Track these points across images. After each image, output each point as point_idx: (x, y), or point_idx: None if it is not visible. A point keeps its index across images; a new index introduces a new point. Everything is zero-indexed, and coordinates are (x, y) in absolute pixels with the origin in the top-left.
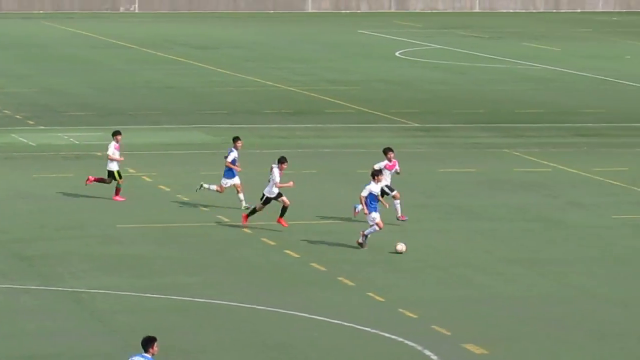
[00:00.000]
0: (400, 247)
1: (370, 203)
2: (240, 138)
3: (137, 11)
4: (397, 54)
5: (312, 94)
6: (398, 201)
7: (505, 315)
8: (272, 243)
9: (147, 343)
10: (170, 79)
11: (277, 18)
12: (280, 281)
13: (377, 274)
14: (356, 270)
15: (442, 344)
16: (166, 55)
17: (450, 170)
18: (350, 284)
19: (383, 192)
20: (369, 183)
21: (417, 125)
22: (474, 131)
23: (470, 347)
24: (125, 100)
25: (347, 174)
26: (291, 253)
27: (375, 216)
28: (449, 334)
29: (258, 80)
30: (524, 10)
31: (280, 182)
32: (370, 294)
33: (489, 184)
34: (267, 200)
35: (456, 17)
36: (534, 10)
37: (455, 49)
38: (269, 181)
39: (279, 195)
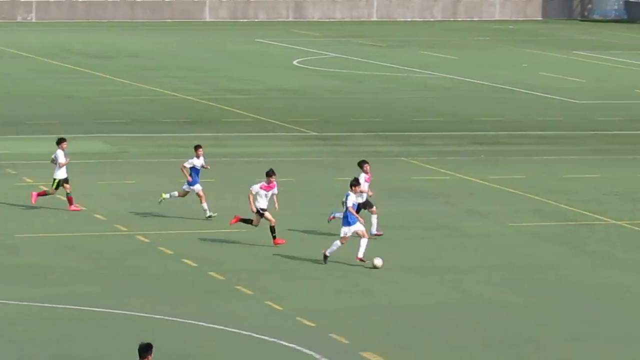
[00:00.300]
0: (377, 262)
1: (349, 217)
2: (202, 146)
3: (34, 20)
4: (295, 62)
5: (210, 103)
6: (375, 216)
7: (402, 324)
8: (170, 252)
9: (146, 350)
10: (68, 88)
11: (174, 27)
12: (178, 290)
13: (275, 282)
14: (254, 278)
15: (340, 352)
16: (63, 65)
17: (348, 178)
18: (248, 292)
19: (360, 207)
20: (348, 194)
21: (315, 134)
22: (371, 139)
23: (368, 355)
24: (22, 110)
25: (246, 183)
26: (189, 262)
27: (347, 231)
28: (347, 342)
29: (156, 89)
30: (421, 19)
31: (254, 199)
32: (268, 302)
33: (387, 192)
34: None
35: (354, 26)
36: (432, 19)
37: (352, 58)
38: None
39: (264, 210)
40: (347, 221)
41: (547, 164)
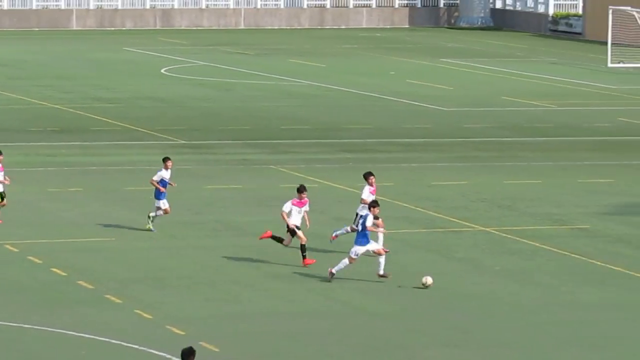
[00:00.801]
0: (426, 280)
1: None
2: (170, 157)
3: None
4: (163, 71)
5: (78, 112)
6: (382, 228)
7: (272, 331)
8: (39, 261)
9: (188, 355)
10: None
11: (41, 36)
12: (48, 300)
13: (144, 291)
14: (123, 287)
15: None
16: None
17: (217, 186)
18: (118, 301)
19: (293, 232)
20: (367, 215)
21: (183, 142)
22: (240, 147)
23: None
24: None
25: (114, 192)
26: (58, 271)
27: (359, 251)
28: (217, 350)
29: (23, 98)
30: (288, 27)
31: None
32: (137, 311)
33: (256, 200)
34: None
35: (222, 34)
36: (299, 27)
37: (221, 66)
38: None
39: (297, 228)
40: (362, 240)
41: (415, 171)
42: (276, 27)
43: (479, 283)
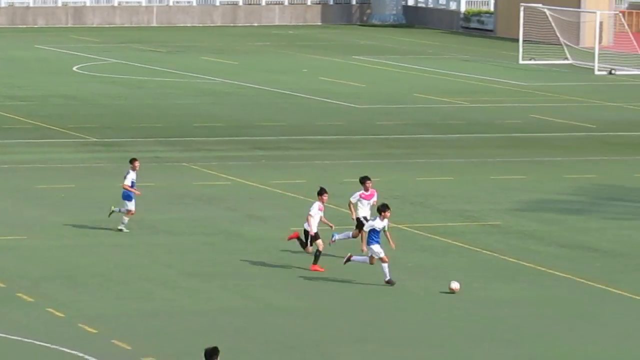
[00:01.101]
0: (455, 285)
1: (373, 237)
2: (137, 159)
3: None
4: (75, 68)
5: None
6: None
7: (186, 329)
8: None
9: (212, 354)
10: None
11: None
12: None
13: (56, 289)
14: (35, 285)
15: (123, 358)
16: None
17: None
18: (29, 299)
19: (360, 224)
20: (374, 219)
21: (95, 140)
22: (152, 145)
23: None
24: None
25: (26, 190)
26: None
27: (378, 250)
28: (129, 348)
29: None
30: (201, 25)
31: (321, 217)
32: (49, 309)
33: (168, 198)
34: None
35: (134, 32)
36: (212, 25)
37: (133, 63)
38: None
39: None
40: (372, 240)
41: (328, 169)
42: (189, 25)
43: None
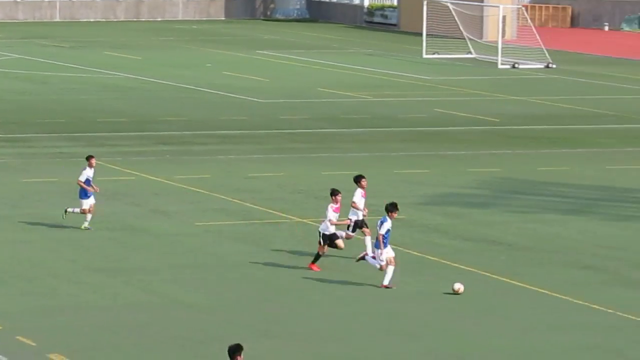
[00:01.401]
0: (458, 286)
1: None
2: (94, 156)
3: None
4: None
5: None
6: (369, 237)
7: (91, 325)
8: None
9: (235, 351)
10: None
11: None
12: None
13: None
14: None
15: (27, 354)
16: None
17: (33, 180)
18: None
19: (357, 225)
20: (384, 220)
21: None
22: (57, 141)
23: (54, 357)
24: None
25: None
26: None
27: (389, 252)
28: (34, 344)
29: None
30: (104, 20)
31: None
32: None
33: (72, 193)
34: (325, 238)
35: (37, 27)
36: (115, 20)
37: (36, 59)
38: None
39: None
40: (384, 244)
41: (232, 163)
42: (92, 20)
43: (296, 274)
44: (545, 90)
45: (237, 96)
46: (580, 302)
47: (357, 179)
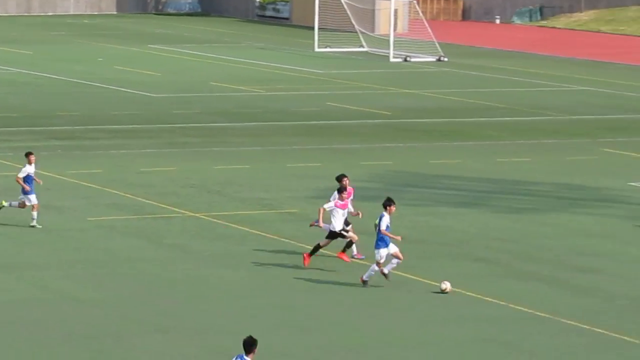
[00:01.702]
0: (445, 286)
1: (380, 240)
2: (33, 152)
3: None
4: None
5: None
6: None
7: None
8: None
9: (251, 345)
10: None
11: None
12: None
13: None
14: None
15: None
16: None
17: None
18: None
19: (333, 235)
20: (382, 215)
21: None
22: None
23: None
24: None
25: None
26: None
27: (384, 253)
28: None
29: None
30: None
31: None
32: None
33: None
34: (331, 235)
35: None
36: (5, 14)
37: None
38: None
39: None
40: (381, 243)
41: (124, 158)
42: None
43: (188, 268)
44: (437, 84)
45: (129, 91)
46: (473, 294)
47: (340, 178)
